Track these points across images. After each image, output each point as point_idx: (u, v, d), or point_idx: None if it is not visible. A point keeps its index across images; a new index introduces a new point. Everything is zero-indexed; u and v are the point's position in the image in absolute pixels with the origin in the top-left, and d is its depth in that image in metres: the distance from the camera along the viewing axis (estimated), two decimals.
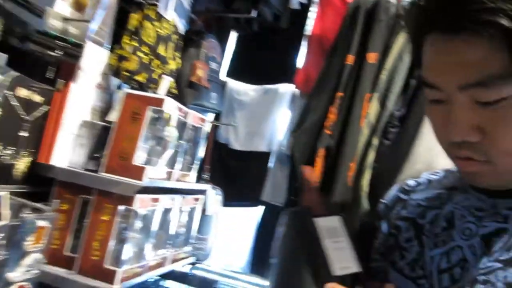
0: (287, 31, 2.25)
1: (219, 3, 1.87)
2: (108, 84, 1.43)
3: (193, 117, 1.53)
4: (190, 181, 1.62)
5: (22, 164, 1.08)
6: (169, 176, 1.45)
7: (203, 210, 1.79)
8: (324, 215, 0.61)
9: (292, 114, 2.27)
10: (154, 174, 1.34)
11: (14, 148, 1.04)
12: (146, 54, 1.38)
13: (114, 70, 1.35)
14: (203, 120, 1.63)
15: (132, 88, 1.38)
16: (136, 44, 1.33)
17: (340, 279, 0.55)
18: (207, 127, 1.71)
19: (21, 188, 1.20)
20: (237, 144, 2.37)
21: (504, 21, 0.42)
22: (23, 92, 1.03)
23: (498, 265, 0.49)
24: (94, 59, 1.33)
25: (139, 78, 1.37)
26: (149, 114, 1.29)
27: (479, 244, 0.52)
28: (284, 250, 0.63)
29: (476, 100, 0.47)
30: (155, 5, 1.39)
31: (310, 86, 2.13)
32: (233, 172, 2.36)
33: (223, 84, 2.25)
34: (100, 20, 1.30)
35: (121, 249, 1.25)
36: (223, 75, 2.32)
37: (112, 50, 1.37)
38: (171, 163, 1.47)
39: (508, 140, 0.47)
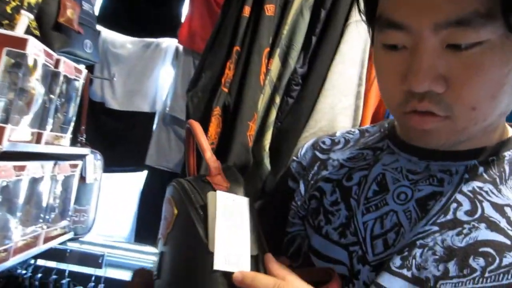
0: None
1: None
2: None
3: (65, 66, 1.25)
4: (65, 144, 1.35)
5: None
6: (37, 138, 1.17)
7: (82, 178, 1.52)
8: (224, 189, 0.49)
9: (176, 72, 2.10)
10: (17, 136, 1.06)
11: None
12: None
13: None
14: (79, 71, 1.35)
15: None
16: None
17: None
18: (82, 81, 1.42)
19: None
20: (114, 103, 2.12)
21: None
22: None
23: (436, 228, 0.48)
24: None
25: None
26: (5, 58, 0.99)
27: (414, 208, 0.51)
28: (175, 230, 0.49)
29: (448, 44, 0.43)
30: None
31: (195, 42, 2.00)
32: (113, 134, 2.12)
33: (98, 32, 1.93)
34: None
35: None
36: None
37: None
38: (40, 123, 1.18)
39: (474, 92, 0.44)
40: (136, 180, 2.21)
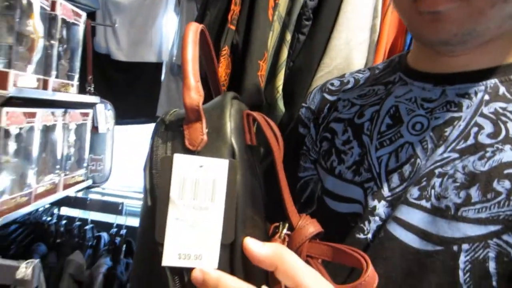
0: None
1: None
2: None
3: (63, 8, 1.20)
4: (73, 92, 1.33)
5: None
6: (43, 85, 1.16)
7: (95, 128, 1.52)
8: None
9: (179, 20, 2.02)
10: (23, 82, 1.04)
11: None
12: None
13: None
14: (78, 15, 1.31)
15: None
16: None
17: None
18: (82, 26, 1.37)
19: None
20: (120, 54, 2.07)
21: None
22: None
23: (456, 155, 0.45)
24: None
25: None
26: None
27: (431, 138, 0.47)
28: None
29: None
30: None
31: None
32: (121, 86, 2.09)
33: None
34: None
35: None
36: None
37: None
38: (44, 69, 1.16)
39: None
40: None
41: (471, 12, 0.42)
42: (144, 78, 2.12)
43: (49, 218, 1.67)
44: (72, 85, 1.32)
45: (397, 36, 1.27)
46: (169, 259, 0.32)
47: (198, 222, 0.33)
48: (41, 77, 1.14)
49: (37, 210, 1.73)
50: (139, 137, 2.25)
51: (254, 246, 0.33)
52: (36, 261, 1.07)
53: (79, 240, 1.65)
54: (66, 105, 1.31)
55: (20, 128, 1.08)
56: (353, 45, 1.19)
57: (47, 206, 1.68)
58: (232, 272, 0.34)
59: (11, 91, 0.98)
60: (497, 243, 0.41)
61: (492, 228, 0.41)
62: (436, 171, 0.45)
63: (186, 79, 0.34)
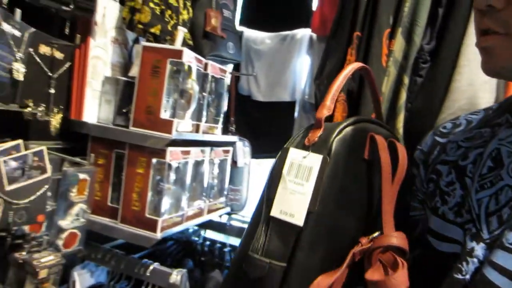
0: None
1: None
2: (124, 38, 1.46)
3: (212, 68, 1.55)
4: (217, 133, 1.66)
5: (55, 121, 1.14)
6: (196, 128, 1.50)
7: (234, 162, 1.84)
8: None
9: (312, 60, 2.24)
10: (182, 127, 1.39)
11: (45, 105, 1.09)
12: (157, 4, 1.39)
13: (128, 23, 1.37)
14: (223, 71, 1.65)
15: (148, 41, 1.40)
16: None
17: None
18: (228, 78, 1.72)
19: (58, 144, 1.27)
20: (259, 95, 2.39)
21: None
22: (44, 49, 1.07)
23: None
24: (108, 14, 1.35)
25: (154, 30, 1.39)
26: (169, 67, 1.32)
27: None
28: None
29: None
30: None
31: (327, 28, 2.08)
32: (259, 124, 2.39)
33: (240, 34, 2.24)
34: None
35: (159, 200, 1.33)
36: (237, 24, 2.31)
37: (123, 2, 1.38)
38: (197, 116, 1.51)
39: None
40: None
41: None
42: (279, 116, 2.38)
43: (196, 238, 2.04)
44: (217, 128, 1.66)
45: None
46: (274, 212, 0.49)
47: (295, 192, 0.49)
48: (195, 122, 1.49)
49: (188, 230, 2.13)
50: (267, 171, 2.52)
51: None
52: (184, 271, 1.38)
53: (219, 261, 1.96)
54: (212, 144, 1.65)
55: (179, 163, 1.43)
56: (477, 85, 1.19)
57: (195, 228, 2.06)
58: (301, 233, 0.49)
59: (174, 135, 1.33)
60: None
61: None
62: None
63: (325, 100, 0.54)
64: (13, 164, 0.99)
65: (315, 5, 2.21)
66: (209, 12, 1.67)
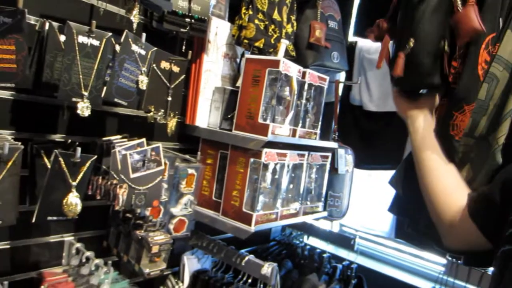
0: None
1: None
2: (234, 53, 1.68)
3: (311, 76, 1.65)
4: (316, 139, 1.75)
5: (171, 124, 1.40)
6: (293, 133, 1.62)
7: (335, 169, 1.90)
8: None
9: None
10: (279, 131, 1.52)
11: (163, 111, 1.36)
12: (261, 20, 1.56)
13: (236, 40, 1.58)
14: (323, 79, 1.74)
15: (253, 54, 1.59)
16: (252, 13, 1.53)
17: None
18: (326, 86, 1.80)
19: (176, 145, 1.55)
20: (371, 105, 2.37)
21: None
22: (164, 64, 1.34)
23: None
24: (219, 32, 1.59)
25: (258, 44, 1.57)
26: (267, 75, 1.48)
27: None
28: None
29: None
30: None
31: None
32: (370, 134, 2.38)
33: (352, 44, 2.29)
34: None
35: (255, 197, 1.49)
36: (351, 35, 2.36)
37: (232, 21, 1.60)
38: (295, 122, 1.63)
39: None
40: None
41: None
42: (392, 127, 2.34)
43: (297, 242, 2.15)
44: (315, 133, 1.75)
45: None
46: None
47: None
48: (292, 127, 1.62)
49: (291, 233, 2.25)
50: (381, 182, 2.47)
51: None
52: (275, 264, 1.50)
53: (317, 265, 2.03)
54: (310, 149, 1.74)
55: (275, 164, 1.58)
56: None
57: (298, 232, 2.17)
58: None
59: (269, 137, 1.48)
60: None
61: None
62: None
63: None
64: (137, 157, 1.26)
65: None
66: (314, 24, 1.79)
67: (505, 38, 1.23)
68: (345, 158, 1.96)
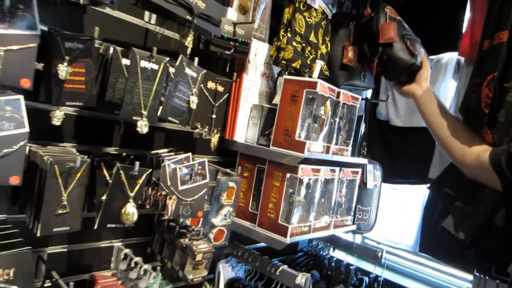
0: None
1: None
2: (270, 72, 1.78)
3: (344, 96, 1.74)
4: (347, 155, 1.84)
5: (214, 139, 1.51)
6: (326, 150, 1.71)
7: (364, 184, 1.98)
8: None
9: (458, 84, 2.20)
10: (314, 148, 1.62)
11: (208, 127, 1.47)
12: (299, 42, 1.67)
13: (274, 60, 1.68)
14: (356, 99, 1.83)
15: (290, 73, 1.69)
16: (290, 35, 1.64)
17: None
18: (358, 105, 1.89)
19: (215, 158, 1.65)
20: (398, 120, 2.43)
21: None
22: (211, 84, 1.45)
23: None
24: (258, 53, 1.70)
25: (295, 65, 1.67)
26: (304, 96, 1.57)
27: None
28: None
29: None
30: None
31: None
32: (396, 149, 2.44)
33: None
34: (259, 18, 1.66)
35: (290, 210, 1.58)
36: None
37: (271, 42, 1.71)
38: (328, 139, 1.72)
39: None
40: (420, 192, 2.45)
41: None
42: (418, 142, 2.38)
43: (325, 253, 2.22)
44: (347, 150, 1.84)
45: None
46: None
47: None
48: (326, 144, 1.71)
49: (317, 244, 2.33)
50: (407, 196, 2.54)
51: None
52: (308, 275, 1.58)
53: (344, 277, 2.10)
54: (342, 165, 1.83)
55: (309, 179, 1.66)
56: None
57: (325, 244, 2.25)
58: None
59: (306, 154, 1.57)
60: None
61: None
62: None
63: None
64: (185, 170, 1.37)
65: (463, 27, 2.19)
66: (347, 45, 1.88)
67: None
68: (374, 173, 2.04)
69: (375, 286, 2.01)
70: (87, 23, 1.25)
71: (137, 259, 1.43)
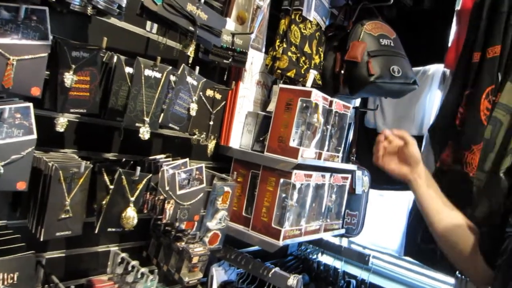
0: (435, 10, 2.28)
1: None
2: (265, 80, 1.84)
3: (337, 104, 1.81)
4: (338, 161, 1.90)
5: (211, 145, 1.55)
6: (318, 156, 1.77)
7: (353, 189, 2.05)
8: None
9: (443, 95, 2.29)
10: (306, 154, 1.67)
11: (205, 133, 1.51)
12: (294, 53, 1.72)
13: (269, 69, 1.74)
14: (347, 107, 1.90)
15: (284, 82, 1.75)
16: (285, 46, 1.69)
17: None
18: (349, 113, 1.96)
19: (210, 164, 1.70)
20: (385, 128, 2.50)
21: None
22: (209, 92, 1.50)
23: None
24: (254, 62, 1.75)
25: (289, 74, 1.73)
26: (299, 104, 1.63)
27: None
28: None
29: None
30: (299, 9, 1.73)
31: None
32: None
33: None
34: (257, 29, 1.71)
35: (283, 214, 1.63)
36: None
37: (267, 52, 1.76)
38: (320, 146, 1.78)
39: None
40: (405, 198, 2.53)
41: None
42: None
43: (314, 257, 2.29)
44: (338, 156, 1.91)
45: None
46: None
47: None
48: (318, 150, 1.77)
49: (306, 248, 2.39)
50: (393, 202, 2.62)
51: None
52: (299, 276, 1.64)
53: (332, 280, 2.16)
54: (332, 170, 1.89)
55: (301, 184, 1.72)
56: None
57: (314, 248, 2.31)
58: None
59: (299, 160, 1.63)
60: None
61: None
62: None
63: None
64: (183, 175, 1.41)
65: (448, 40, 2.27)
66: (338, 56, 1.95)
67: (506, 88, 1.42)
68: (362, 179, 2.11)
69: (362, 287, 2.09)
70: (91, 32, 1.28)
71: (134, 262, 1.46)
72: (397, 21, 2.23)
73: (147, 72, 1.23)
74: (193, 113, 1.39)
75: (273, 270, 1.68)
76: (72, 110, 1.16)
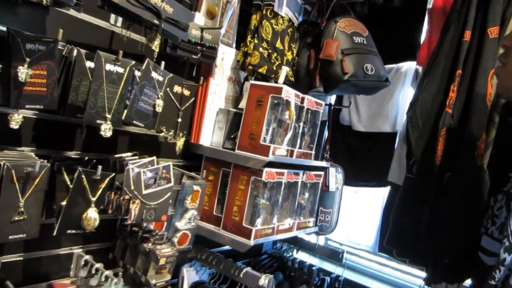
0: (407, 8, 2.29)
1: None
2: (237, 76, 1.80)
3: (309, 101, 1.79)
4: (311, 159, 1.89)
5: (180, 143, 1.50)
6: (290, 153, 1.75)
7: (326, 186, 2.03)
8: None
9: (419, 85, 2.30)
10: (278, 152, 1.65)
11: (173, 131, 1.46)
12: (265, 49, 1.69)
13: (241, 65, 1.70)
14: (319, 104, 1.88)
15: (256, 79, 1.71)
16: (257, 41, 1.66)
17: None
18: (321, 110, 1.94)
19: (180, 162, 1.65)
20: (360, 125, 2.51)
21: None
22: (177, 88, 1.45)
23: None
24: (225, 58, 1.71)
25: (261, 70, 1.70)
26: (270, 100, 1.60)
27: None
28: None
29: None
30: (271, 5, 1.70)
31: None
32: (358, 153, 2.51)
33: None
34: (227, 24, 1.68)
35: (254, 213, 1.60)
36: None
37: (238, 48, 1.72)
38: (292, 143, 1.76)
39: None
40: (380, 194, 2.55)
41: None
42: (379, 147, 2.47)
43: (288, 255, 2.27)
44: (310, 154, 1.89)
45: None
46: None
47: None
48: (290, 148, 1.75)
49: (281, 246, 2.37)
50: (367, 198, 2.63)
51: None
52: (271, 276, 1.61)
53: (307, 278, 2.15)
54: (305, 168, 1.87)
55: (273, 182, 1.69)
56: None
57: (289, 246, 2.29)
58: None
59: (270, 158, 1.60)
60: None
61: None
62: None
63: None
64: (149, 174, 1.36)
65: (421, 38, 2.29)
66: (312, 54, 1.93)
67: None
68: (336, 176, 2.10)
69: (336, 285, 2.08)
70: (50, 24, 1.21)
71: (98, 265, 1.40)
72: (369, 17, 2.23)
73: (109, 66, 1.17)
74: (159, 109, 1.34)
75: (244, 270, 1.65)
76: (27, 106, 1.10)
